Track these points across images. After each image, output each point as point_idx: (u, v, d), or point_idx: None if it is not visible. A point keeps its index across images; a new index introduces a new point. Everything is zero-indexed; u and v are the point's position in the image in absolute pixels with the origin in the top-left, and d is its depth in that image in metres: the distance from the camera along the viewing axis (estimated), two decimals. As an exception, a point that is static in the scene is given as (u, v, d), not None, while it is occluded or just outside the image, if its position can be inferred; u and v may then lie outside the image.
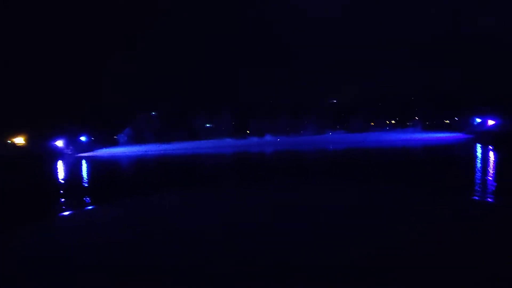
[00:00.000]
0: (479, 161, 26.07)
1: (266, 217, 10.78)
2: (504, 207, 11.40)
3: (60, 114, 72.73)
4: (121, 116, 79.87)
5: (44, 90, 78.28)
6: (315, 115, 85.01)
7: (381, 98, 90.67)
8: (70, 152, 65.28)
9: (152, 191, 18.38)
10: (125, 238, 9.40)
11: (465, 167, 22.50)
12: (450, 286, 5.71)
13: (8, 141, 71.09)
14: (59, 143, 67.96)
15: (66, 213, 14.22)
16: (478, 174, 19.54)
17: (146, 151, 66.85)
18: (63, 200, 17.87)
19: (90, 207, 15.00)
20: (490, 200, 12.98)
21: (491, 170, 20.91)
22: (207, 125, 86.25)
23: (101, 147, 71.40)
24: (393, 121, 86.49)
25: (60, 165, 44.42)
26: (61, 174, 33.84)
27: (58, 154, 64.27)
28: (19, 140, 71.16)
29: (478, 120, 71.87)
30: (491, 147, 38.24)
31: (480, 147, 39.41)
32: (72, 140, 68.43)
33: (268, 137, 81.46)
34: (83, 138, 71.38)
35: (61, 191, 21.37)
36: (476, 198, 13.12)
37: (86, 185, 23.41)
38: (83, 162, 48.21)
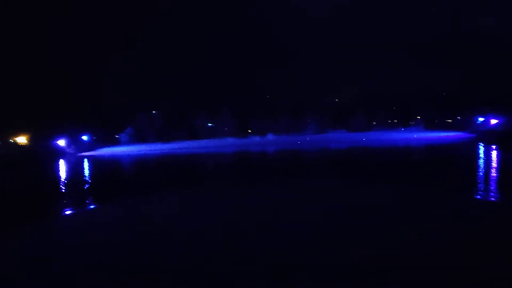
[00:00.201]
0: (482, 160, 25.88)
1: (267, 217, 10.71)
2: (509, 207, 11.28)
3: (62, 114, 72.93)
4: (122, 116, 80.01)
5: (46, 90, 78.51)
6: (316, 115, 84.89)
7: (382, 97, 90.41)
8: (72, 152, 65.45)
9: (154, 191, 18.35)
10: (127, 238, 9.37)
11: (469, 167, 22.33)
12: (450, 286, 5.65)
13: (11, 141, 71.36)
14: (61, 142, 68.14)
15: (69, 212, 14.22)
16: (482, 173, 19.39)
17: (147, 151, 66.95)
18: (65, 199, 17.86)
19: (92, 207, 14.98)
20: (494, 199, 12.86)
21: (495, 169, 20.74)
22: (209, 124, 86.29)
23: (103, 147, 71.54)
24: (395, 120, 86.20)
25: (62, 165, 44.53)
26: (63, 173, 33.90)
27: (60, 153, 64.45)
28: (22, 140, 71.42)
29: (481, 119, 71.49)
30: (494, 146, 38.02)
31: (483, 146, 39.17)
32: (74, 140, 68.60)
33: (269, 137, 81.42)
34: (85, 138, 71.53)
35: (63, 191, 21.38)
36: (481, 197, 13.00)
37: (88, 184, 23.41)
38: (85, 161, 48.31)
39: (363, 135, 74.26)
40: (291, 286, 5.97)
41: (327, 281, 6.06)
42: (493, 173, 19.28)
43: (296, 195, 14.12)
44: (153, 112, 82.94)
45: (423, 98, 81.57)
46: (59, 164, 44.83)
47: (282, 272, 6.48)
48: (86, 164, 43.91)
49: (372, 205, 11.54)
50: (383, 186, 15.62)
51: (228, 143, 77.51)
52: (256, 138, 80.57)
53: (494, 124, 67.92)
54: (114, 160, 50.54)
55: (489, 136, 55.67)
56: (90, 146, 69.11)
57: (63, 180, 27.27)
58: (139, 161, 48.24)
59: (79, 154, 63.63)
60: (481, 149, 35.37)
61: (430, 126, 75.50)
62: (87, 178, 27.64)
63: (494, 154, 31.10)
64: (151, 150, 67.51)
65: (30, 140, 70.98)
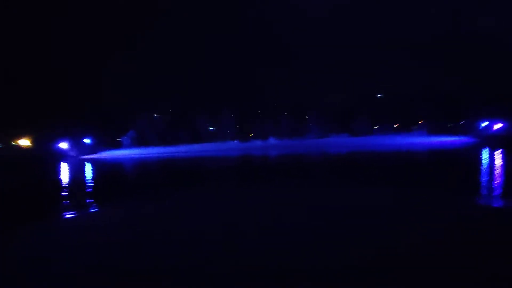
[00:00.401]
0: (487, 165, 25.64)
1: (267, 219, 10.63)
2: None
3: (64, 116, 73.24)
4: (125, 119, 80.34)
5: (49, 92, 78.95)
6: (319, 118, 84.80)
7: (385, 101, 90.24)
8: (74, 154, 65.69)
9: (156, 194, 18.32)
10: (128, 240, 9.31)
11: (474, 172, 22.12)
12: (450, 287, 5.55)
13: (13, 143, 71.71)
14: (64, 145, 68.46)
15: (71, 214, 14.17)
16: (487, 178, 19.19)
17: (150, 154, 67.09)
18: (67, 202, 17.84)
19: (94, 210, 14.94)
20: (499, 204, 12.68)
21: (500, 174, 20.52)
22: (211, 128, 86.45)
23: (105, 150, 71.81)
24: (397, 125, 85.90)
25: (64, 167, 44.60)
26: (65, 176, 33.94)
27: (62, 156, 64.71)
28: (24, 142, 71.77)
29: (485, 123, 71.07)
30: (498, 151, 37.70)
31: (488, 151, 38.86)
32: (76, 142, 68.93)
33: (271, 140, 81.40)
34: (87, 140, 71.85)
35: (65, 193, 21.37)
36: (486, 202, 12.83)
37: (91, 187, 23.42)
38: (88, 164, 48.38)
39: (366, 139, 74.04)
40: (291, 286, 5.88)
41: (328, 281, 5.97)
42: (498, 178, 19.06)
43: (297, 198, 14.03)
44: (156, 115, 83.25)
45: (426, 102, 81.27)
46: (61, 167, 44.91)
47: (282, 272, 6.41)
48: (88, 167, 43.98)
49: (375, 208, 11.40)
50: (388, 190, 15.46)
51: (231, 146, 77.55)
52: (258, 142, 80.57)
53: (498, 128, 67.49)
54: (116, 163, 50.60)
55: (493, 141, 55.26)
56: (92, 149, 69.41)
57: (65, 183, 27.27)
58: (142, 164, 48.26)
59: (82, 157, 63.82)
60: (485, 154, 35.08)
61: (433, 130, 75.11)
62: (89, 181, 27.64)
63: (498, 159, 30.82)
64: (153, 153, 67.63)
65: (32, 142, 71.31)
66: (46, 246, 9.14)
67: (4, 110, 68.25)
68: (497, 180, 17.99)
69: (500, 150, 39.09)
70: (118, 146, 76.32)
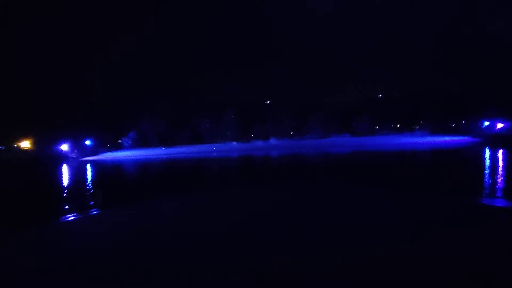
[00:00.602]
0: (489, 164, 25.42)
1: (268, 221, 10.48)
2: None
3: (65, 119, 73.35)
4: (125, 120, 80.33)
5: (50, 95, 79.12)
6: (320, 119, 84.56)
7: (387, 101, 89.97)
8: (75, 156, 65.63)
9: (157, 195, 18.23)
10: (129, 243, 9.19)
11: (477, 171, 21.92)
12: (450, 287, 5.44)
13: (15, 145, 71.79)
14: (64, 147, 68.42)
15: (71, 216, 14.07)
16: (489, 178, 18.97)
17: (150, 155, 66.98)
18: (66, 204, 17.77)
19: (94, 212, 14.84)
20: (501, 204, 12.51)
21: (502, 174, 20.31)
22: (211, 128, 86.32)
23: (106, 151, 71.75)
24: (399, 125, 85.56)
25: (64, 169, 44.56)
26: (65, 178, 33.87)
27: (63, 158, 64.69)
28: (25, 144, 71.83)
29: (487, 123, 70.75)
30: (501, 151, 37.43)
31: (490, 150, 38.61)
32: (77, 144, 68.86)
33: (272, 141, 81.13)
34: (88, 142, 71.79)
35: (65, 195, 21.28)
36: (489, 201, 12.66)
37: (91, 189, 23.34)
38: (88, 166, 48.32)
39: (368, 140, 73.71)
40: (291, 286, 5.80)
41: (328, 281, 5.85)
42: (501, 177, 18.86)
43: (298, 200, 13.89)
44: (156, 117, 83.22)
45: (428, 102, 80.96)
46: (62, 169, 44.86)
47: (283, 273, 6.30)
48: (89, 168, 43.90)
49: (376, 209, 11.25)
50: (390, 191, 15.29)
51: (231, 147, 77.35)
52: (260, 142, 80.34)
53: (500, 128, 67.13)
54: (117, 165, 50.52)
55: (495, 140, 54.96)
56: (93, 150, 69.32)
57: (65, 185, 27.19)
58: (142, 166, 48.17)
59: (82, 158, 63.78)
60: (488, 154, 34.84)
61: (436, 130, 74.79)
62: (89, 183, 27.56)
63: (501, 158, 30.60)
64: (154, 154, 67.51)
65: (33, 144, 71.35)
66: (45, 249, 9.06)
67: (5, 113, 68.39)
68: (499, 180, 17.80)
69: (502, 149, 38.82)
70: (119, 147, 76.29)
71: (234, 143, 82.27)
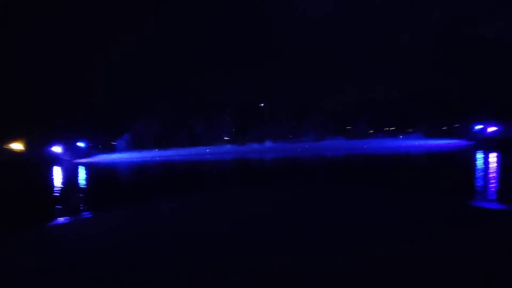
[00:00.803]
0: (482, 167, 25.72)
1: (266, 221, 10.41)
2: (508, 213, 11.05)
3: (58, 120, 72.54)
4: (119, 122, 79.75)
5: (42, 95, 78.24)
6: (315, 122, 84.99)
7: (382, 104, 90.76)
8: (67, 158, 64.91)
9: (151, 198, 18.05)
10: (130, 244, 9.06)
11: (469, 173, 22.17)
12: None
13: (6, 147, 70.71)
14: (57, 149, 67.66)
15: (63, 220, 13.83)
16: (482, 180, 19.16)
17: (145, 158, 66.58)
18: (58, 206, 17.50)
19: (86, 215, 14.60)
20: (494, 206, 12.59)
21: (494, 176, 20.56)
22: (206, 131, 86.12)
23: (100, 153, 71.13)
24: (393, 128, 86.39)
25: (57, 172, 43.98)
26: (57, 180, 33.41)
27: (55, 160, 63.91)
28: (17, 146, 70.80)
29: (479, 126, 71.81)
30: (492, 154, 37.96)
31: (482, 153, 39.13)
32: (70, 146, 68.17)
33: (267, 144, 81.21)
34: (81, 144, 71.10)
35: (57, 198, 20.95)
36: (481, 204, 12.74)
37: (83, 192, 23.04)
38: (81, 168, 47.78)
39: (363, 143, 74.21)
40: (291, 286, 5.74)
41: (328, 281, 5.81)
42: (493, 179, 19.06)
43: (298, 200, 13.87)
44: (151, 118, 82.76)
45: (422, 105, 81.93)
46: (53, 171, 44.28)
47: (283, 273, 6.27)
48: (81, 171, 43.40)
49: (376, 209, 11.26)
50: (386, 191, 15.34)
51: (227, 150, 77.20)
52: (255, 145, 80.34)
53: (492, 131, 68.23)
54: (110, 168, 50.04)
55: (487, 144, 55.79)
56: (86, 153, 68.68)
57: (57, 187, 26.80)
58: (136, 168, 47.79)
59: (75, 161, 63.09)
60: (480, 156, 35.31)
61: (429, 133, 75.70)
62: (81, 186, 27.21)
63: (493, 161, 30.99)
64: (148, 157, 67.11)
65: (25, 146, 70.36)
66: (40, 253, 8.91)
67: (-4, 113, 67.43)
68: (491, 182, 18.01)
69: (494, 152, 39.38)
70: (113, 150, 75.65)
71: (229, 145, 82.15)
